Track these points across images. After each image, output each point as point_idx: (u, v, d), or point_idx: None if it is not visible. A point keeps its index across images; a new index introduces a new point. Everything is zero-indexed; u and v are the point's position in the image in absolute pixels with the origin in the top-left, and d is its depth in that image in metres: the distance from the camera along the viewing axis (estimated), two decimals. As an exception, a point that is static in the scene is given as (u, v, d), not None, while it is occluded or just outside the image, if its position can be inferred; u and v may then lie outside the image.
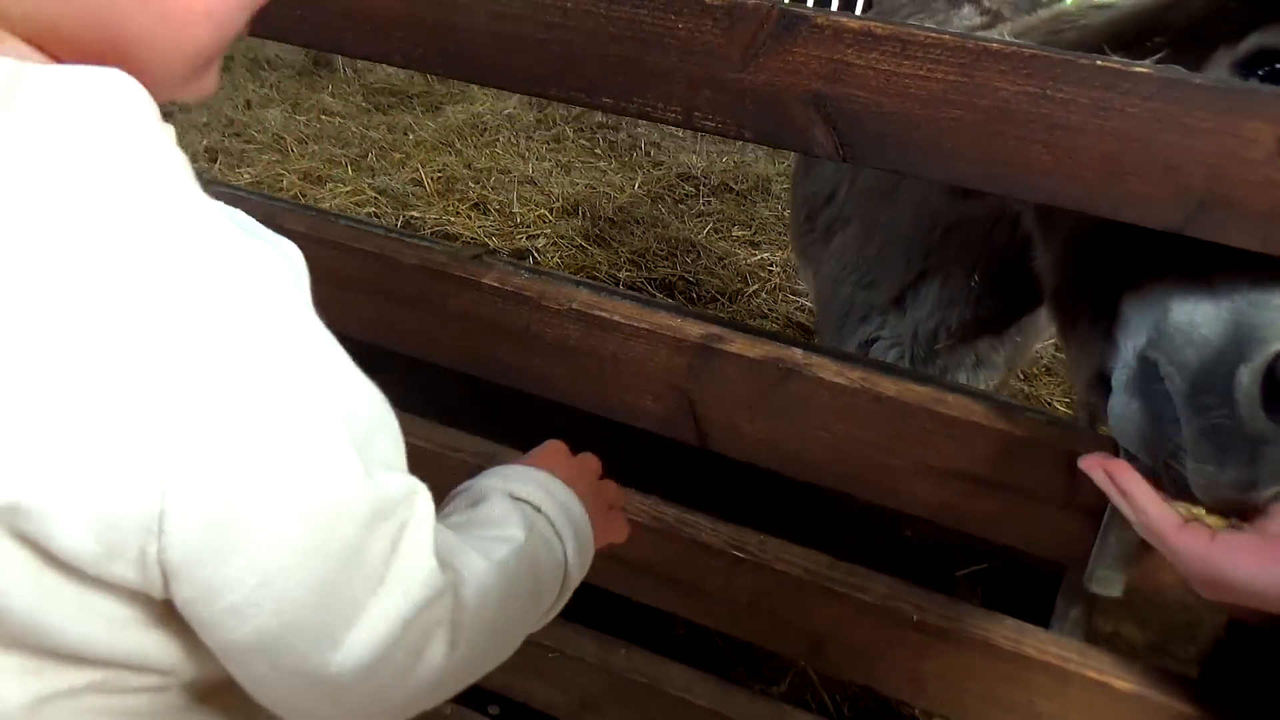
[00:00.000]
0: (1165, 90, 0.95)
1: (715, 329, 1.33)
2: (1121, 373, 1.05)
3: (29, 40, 0.58)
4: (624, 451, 1.72)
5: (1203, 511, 0.99)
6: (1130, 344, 1.06)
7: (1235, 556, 0.90)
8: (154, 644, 0.64)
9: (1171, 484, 1.00)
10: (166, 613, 0.63)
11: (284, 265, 0.63)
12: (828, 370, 1.28)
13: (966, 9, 2.13)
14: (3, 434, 0.53)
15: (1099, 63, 0.98)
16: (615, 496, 1.08)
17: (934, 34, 1.04)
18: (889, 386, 1.26)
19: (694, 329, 1.33)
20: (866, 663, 1.41)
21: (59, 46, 0.59)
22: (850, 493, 1.31)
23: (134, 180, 0.58)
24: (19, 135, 0.55)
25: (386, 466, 0.68)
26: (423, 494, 0.72)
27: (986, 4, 2.11)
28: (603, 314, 1.35)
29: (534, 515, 0.95)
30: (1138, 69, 0.97)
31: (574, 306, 1.36)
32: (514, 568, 0.86)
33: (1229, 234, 0.98)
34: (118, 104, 0.59)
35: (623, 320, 1.34)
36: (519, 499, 0.96)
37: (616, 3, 1.13)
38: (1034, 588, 1.45)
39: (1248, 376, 0.91)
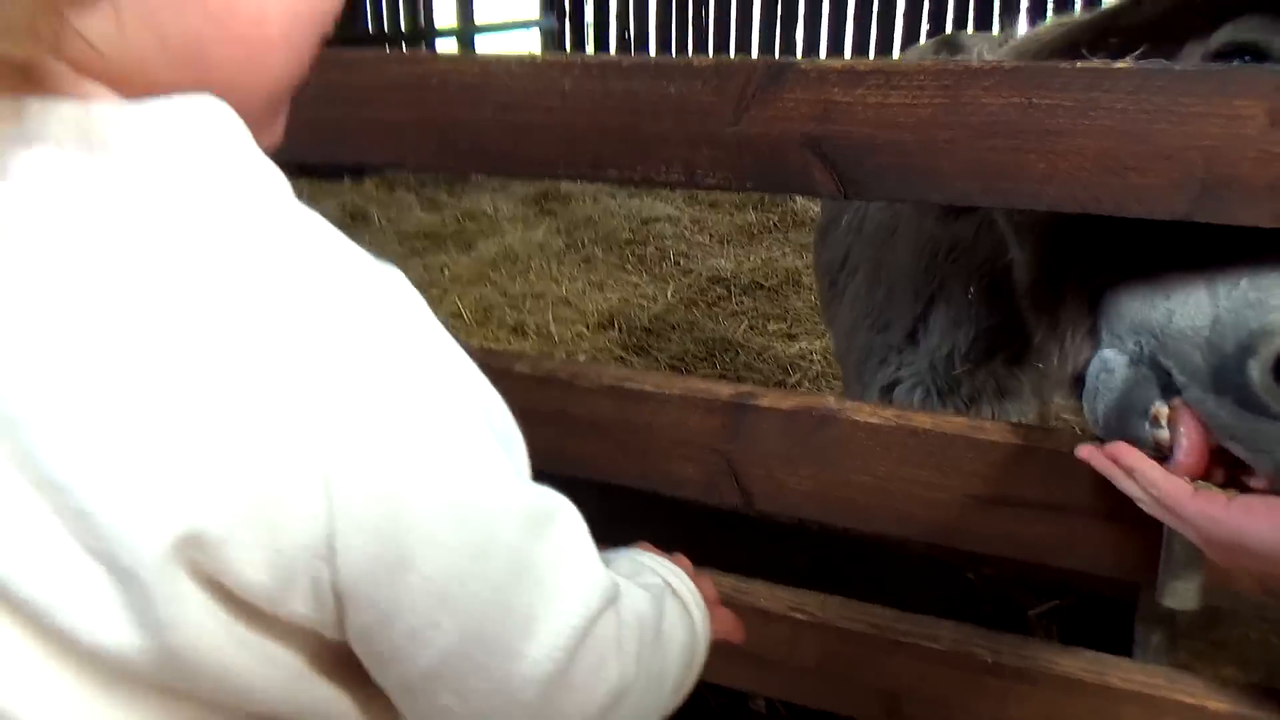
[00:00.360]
0: (1149, 81, 0.97)
1: (746, 387, 1.34)
2: (1107, 361, 1.05)
3: (115, 84, 0.57)
4: (671, 529, 1.71)
5: (1210, 485, 0.97)
6: (1125, 343, 1.05)
7: (1253, 517, 0.88)
8: (328, 696, 0.63)
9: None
10: (341, 660, 0.62)
11: (403, 278, 0.64)
12: (861, 412, 1.27)
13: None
14: (171, 462, 0.52)
15: (1078, 65, 1.00)
16: (712, 592, 1.05)
17: (916, 64, 1.07)
18: (924, 420, 1.25)
19: (724, 390, 1.34)
20: (947, 714, 1.35)
21: (145, 88, 0.58)
22: (902, 535, 1.29)
23: (254, 205, 0.59)
24: (128, 174, 0.55)
25: (526, 479, 0.69)
26: (571, 508, 0.72)
27: (969, 56, 2.19)
28: (634, 386, 1.36)
29: (664, 584, 0.94)
30: (1118, 65, 0.99)
31: (606, 383, 1.38)
32: (660, 607, 0.85)
33: (1237, 214, 0.97)
34: (217, 131, 0.59)
35: (654, 390, 1.35)
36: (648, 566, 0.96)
37: (611, 78, 1.18)
38: (1111, 619, 1.39)
39: (1258, 370, 0.90)
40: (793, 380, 4.07)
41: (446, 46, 10.16)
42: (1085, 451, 1.06)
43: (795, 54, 9.45)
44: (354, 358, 0.56)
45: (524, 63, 1.24)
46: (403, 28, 10.24)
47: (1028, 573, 1.47)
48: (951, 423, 1.24)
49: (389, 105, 1.31)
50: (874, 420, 1.26)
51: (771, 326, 4.57)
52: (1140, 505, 1.00)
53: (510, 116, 1.26)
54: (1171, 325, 1.00)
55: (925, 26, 8.96)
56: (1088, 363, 1.13)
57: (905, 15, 9.05)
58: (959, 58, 2.19)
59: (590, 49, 10.43)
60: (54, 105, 0.55)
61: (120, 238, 0.54)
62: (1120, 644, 1.35)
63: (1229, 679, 1.31)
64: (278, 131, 0.70)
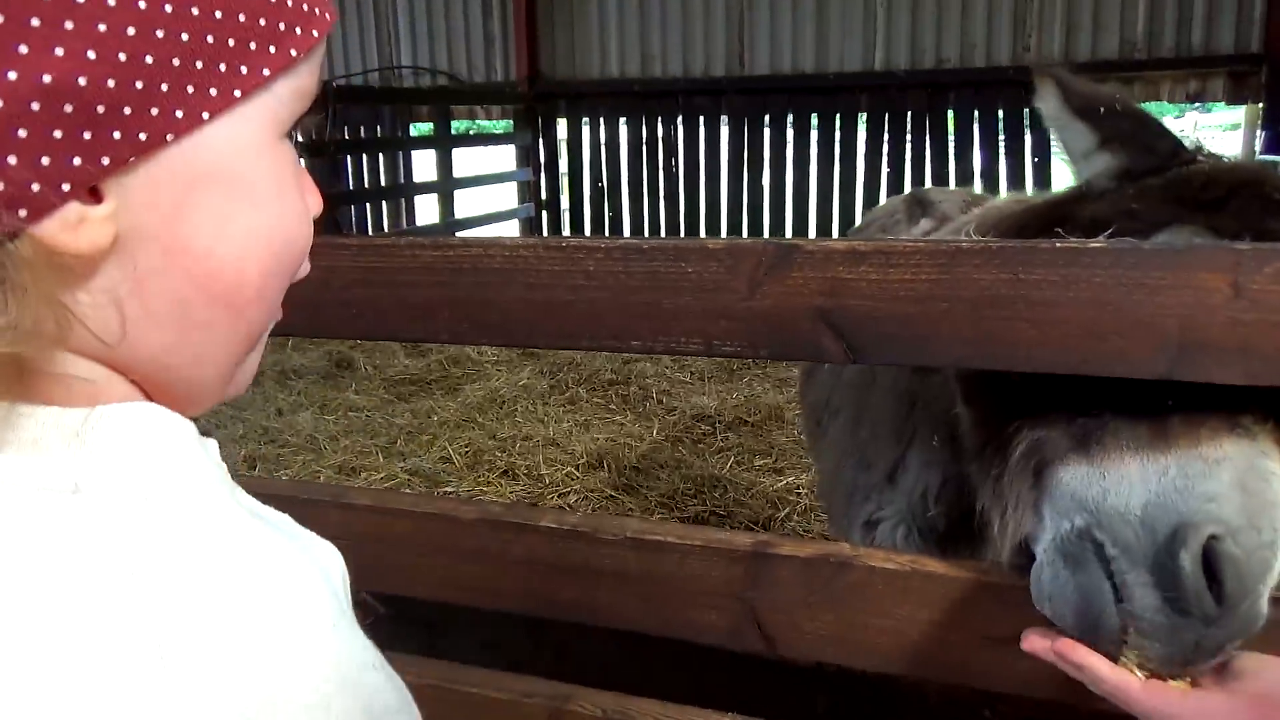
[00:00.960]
0: (1122, 258, 1.10)
1: (765, 537, 1.41)
2: (1055, 545, 1.12)
3: (94, 352, 0.58)
4: (690, 674, 1.76)
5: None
6: (1064, 521, 1.13)
7: (1209, 717, 0.94)
8: None
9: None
10: None
11: (308, 572, 0.61)
12: (876, 558, 1.35)
13: (924, 222, 2.38)
14: None
15: (1058, 245, 1.13)
16: None
17: (911, 243, 1.20)
18: (937, 566, 1.33)
19: (744, 540, 1.41)
20: None
21: (128, 350, 0.59)
22: (920, 675, 1.34)
23: (158, 528, 0.56)
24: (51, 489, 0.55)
25: None
26: None
27: (936, 213, 2.37)
28: (657, 538, 1.44)
29: None
30: (1093, 244, 1.11)
31: (629, 535, 1.45)
32: None
33: (1212, 373, 1.09)
34: (159, 441, 0.59)
35: (677, 541, 1.42)
36: None
37: (633, 259, 1.30)
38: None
39: (1189, 562, 0.98)
40: (781, 514, 4.14)
41: (427, 202, 10.48)
42: (1029, 644, 1.12)
43: (762, 197, 9.86)
44: (217, 672, 0.53)
45: (550, 246, 1.36)
46: (383, 183, 10.60)
47: (1044, 711, 1.52)
48: (963, 566, 1.32)
49: (423, 287, 1.42)
50: (889, 565, 1.33)
51: (758, 462, 4.66)
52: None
53: (535, 295, 1.37)
54: (1106, 502, 1.09)
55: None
56: (1026, 537, 1.22)
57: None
58: (929, 212, 2.36)
59: (566, 198, 10.82)
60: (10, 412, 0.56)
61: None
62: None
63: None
64: (250, 372, 0.71)
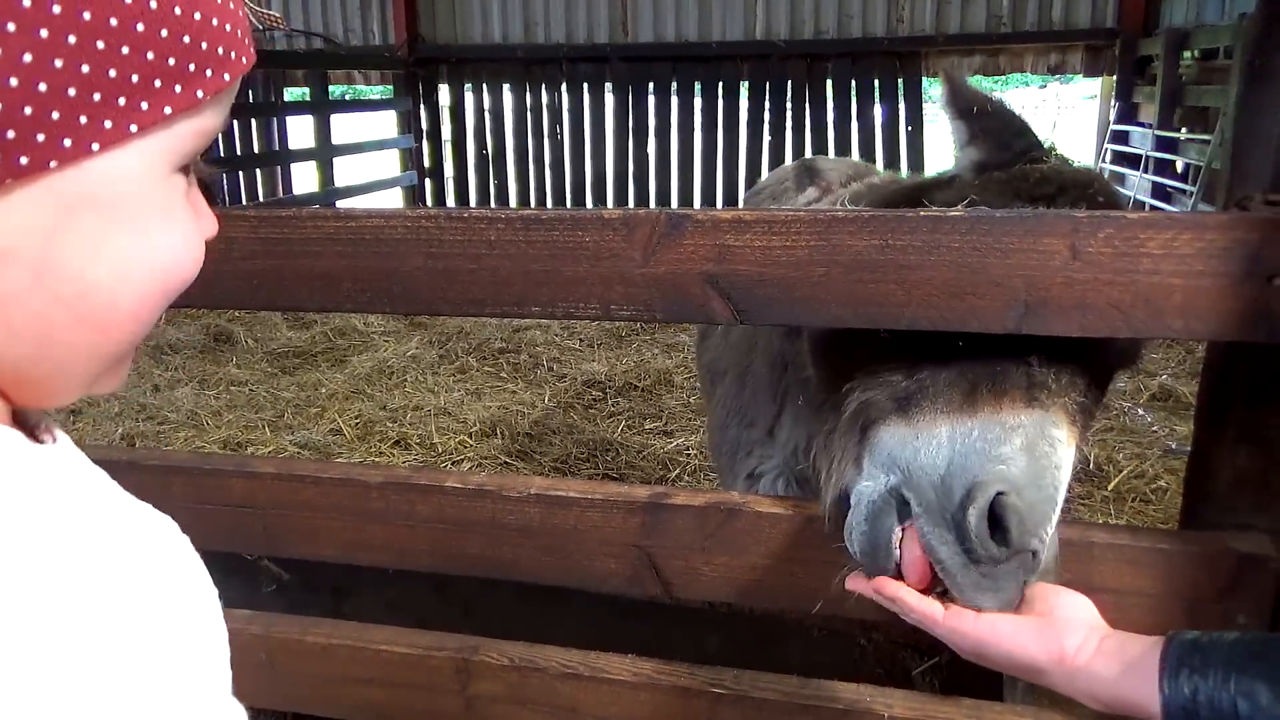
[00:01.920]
0: (977, 225, 1.22)
1: (661, 489, 1.51)
2: (863, 498, 1.25)
3: None
4: (587, 623, 1.85)
5: None
6: (882, 475, 1.26)
7: (995, 637, 1.09)
8: None
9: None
10: None
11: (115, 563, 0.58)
12: (763, 504, 1.46)
13: (809, 190, 2.51)
14: None
15: (922, 214, 1.24)
16: None
17: (792, 213, 1.30)
18: (817, 509, 1.44)
19: (641, 492, 1.51)
20: (853, 770, 1.52)
21: (6, 375, 0.60)
22: (804, 610, 1.46)
23: None
24: None
25: None
26: None
27: (822, 182, 2.51)
28: (559, 493, 1.52)
29: None
30: (953, 213, 1.23)
31: (533, 492, 1.52)
32: None
33: (1052, 326, 1.22)
34: None
35: (578, 495, 1.51)
36: None
37: (533, 228, 1.37)
38: (982, 673, 1.59)
39: (975, 516, 1.12)
40: (673, 475, 4.27)
41: (305, 169, 10.21)
42: (852, 584, 1.26)
43: (648, 165, 9.95)
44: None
45: (452, 216, 1.41)
46: (256, 150, 10.26)
47: (911, 636, 1.66)
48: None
49: (326, 257, 1.45)
50: (776, 510, 1.45)
51: (648, 425, 4.78)
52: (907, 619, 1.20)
53: (437, 264, 1.42)
54: (916, 461, 1.22)
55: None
56: (847, 489, 1.35)
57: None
58: (816, 180, 2.48)
59: (450, 166, 10.69)
60: None
61: None
62: (991, 692, 1.55)
63: (1082, 713, 1.52)
64: (121, 377, 0.69)
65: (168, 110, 0.59)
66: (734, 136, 9.77)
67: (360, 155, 10.37)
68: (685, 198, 9.92)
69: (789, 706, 1.50)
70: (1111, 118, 9.15)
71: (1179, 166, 7.90)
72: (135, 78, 0.56)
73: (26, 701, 0.50)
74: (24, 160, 0.53)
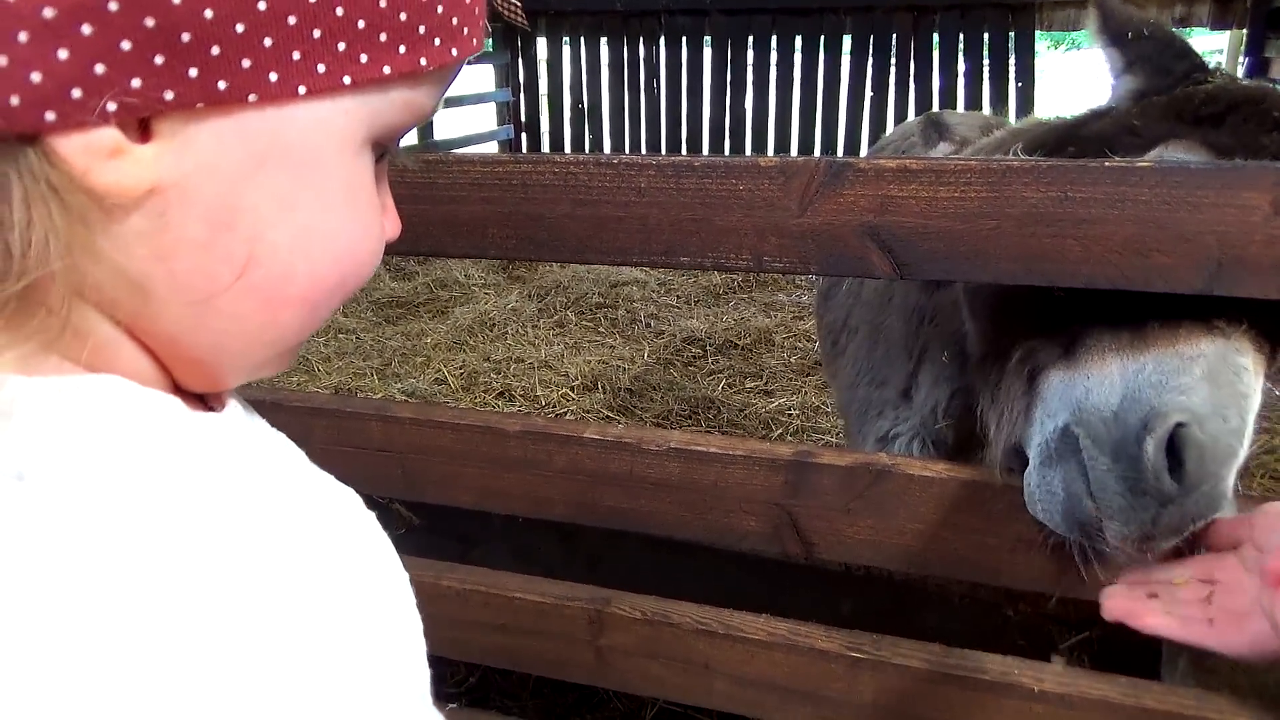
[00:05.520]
0: (1168, 177, 1.14)
1: (804, 446, 1.47)
2: (1040, 448, 1.21)
3: (107, 308, 0.52)
4: (720, 580, 1.83)
5: None
6: (1051, 422, 1.22)
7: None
8: None
9: (1081, 553, 1.18)
10: None
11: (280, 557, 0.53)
12: (914, 466, 1.41)
13: (942, 145, 2.41)
14: None
15: (1106, 164, 1.17)
16: None
17: (962, 161, 1.23)
18: (970, 473, 1.39)
19: (785, 449, 1.47)
20: (996, 741, 1.48)
21: (144, 319, 0.54)
22: (951, 577, 1.42)
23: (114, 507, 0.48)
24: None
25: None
26: None
27: (954, 136, 2.40)
28: (699, 448, 1.49)
29: None
30: (1140, 164, 1.16)
31: (673, 446, 1.50)
32: None
33: (1247, 288, 1.14)
34: (109, 425, 0.51)
35: (719, 451, 1.48)
36: None
37: (684, 175, 1.33)
38: (1137, 650, 1.53)
39: (1153, 446, 1.06)
40: (774, 435, 4.22)
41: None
42: (1109, 609, 1.14)
43: (745, 121, 9.79)
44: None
45: (601, 163, 1.38)
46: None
47: (1059, 608, 1.61)
48: (994, 474, 1.38)
49: (472, 203, 1.44)
50: (926, 474, 1.40)
51: (749, 384, 4.73)
52: None
53: (584, 211, 1.40)
54: (1088, 400, 1.17)
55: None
56: (1019, 441, 1.29)
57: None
58: (946, 135, 2.39)
59: (545, 119, 10.68)
60: None
61: None
62: (1144, 669, 1.49)
63: (1245, 691, 1.45)
64: (285, 364, 0.63)
65: (387, 70, 0.53)
66: (834, 93, 9.53)
67: (459, 109, 10.43)
68: (782, 153, 9.73)
69: (932, 675, 1.47)
70: (1240, 75, 8.68)
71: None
72: (362, 23, 0.51)
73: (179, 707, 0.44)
74: (223, 85, 0.48)
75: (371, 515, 0.65)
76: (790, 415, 4.39)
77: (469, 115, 11.06)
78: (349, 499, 0.64)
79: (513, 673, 2.19)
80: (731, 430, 4.24)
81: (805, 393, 4.60)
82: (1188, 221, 1.15)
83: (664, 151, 10.14)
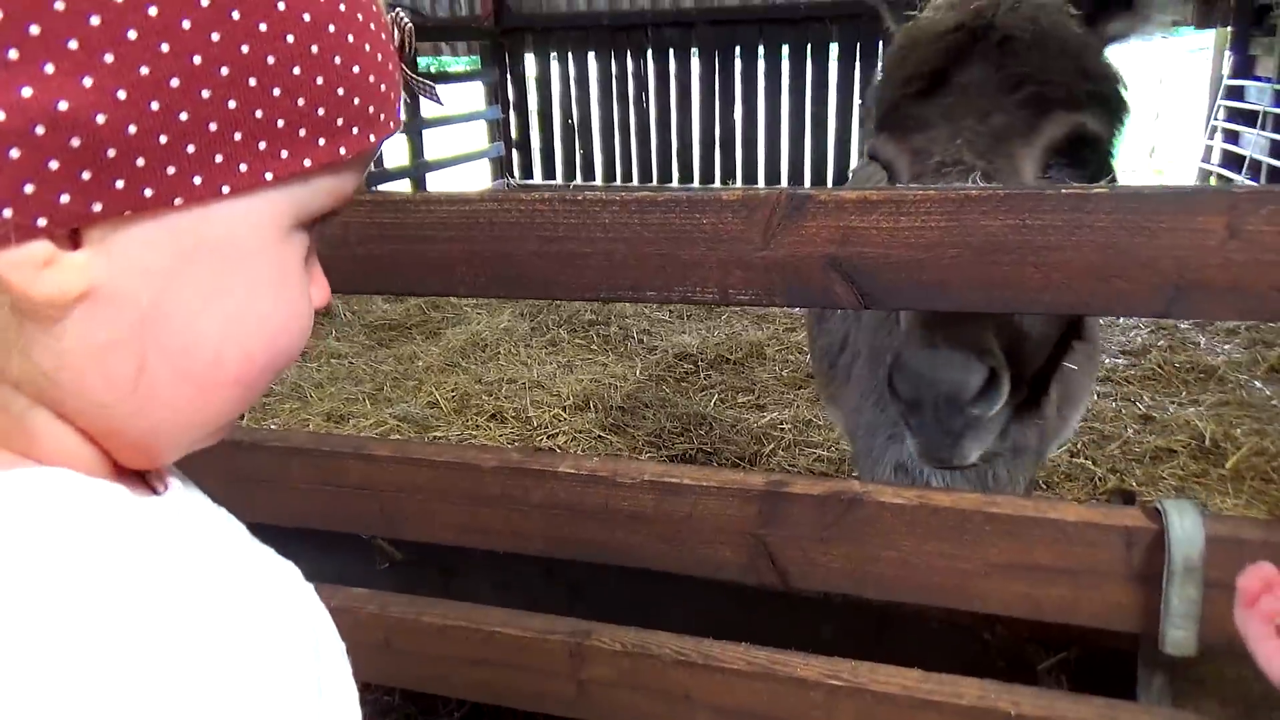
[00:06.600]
0: (1123, 204, 1.15)
1: (777, 475, 1.47)
2: None
3: (48, 401, 0.54)
4: (699, 609, 1.83)
5: None
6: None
7: None
8: None
9: None
10: None
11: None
12: (885, 494, 1.41)
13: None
14: None
15: (1063, 190, 1.17)
16: None
17: (921, 191, 1.24)
18: (943, 499, 1.39)
19: (757, 479, 1.47)
20: (977, 766, 1.47)
21: (85, 410, 0.55)
22: (928, 603, 1.42)
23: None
24: None
25: None
26: None
27: None
28: (673, 480, 1.49)
29: None
30: (1096, 190, 1.16)
31: (646, 478, 1.50)
32: None
33: (1207, 311, 1.15)
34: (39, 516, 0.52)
35: (692, 482, 1.48)
36: None
37: (648, 211, 1.34)
38: (1114, 667, 1.53)
39: None
40: (767, 450, 4.22)
41: (394, 142, 10.32)
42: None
43: (735, 132, 9.81)
44: None
45: (566, 200, 1.38)
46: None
47: (1037, 629, 1.61)
48: (967, 499, 1.39)
49: (440, 242, 1.44)
50: (898, 500, 1.40)
51: (741, 399, 4.73)
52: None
53: (551, 248, 1.40)
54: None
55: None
56: None
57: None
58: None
59: (536, 136, 10.70)
60: None
61: None
62: (1120, 689, 1.49)
63: (1215, 715, 1.45)
64: (219, 436, 0.64)
65: (307, 163, 0.55)
66: (823, 100, 9.56)
67: (449, 128, 10.45)
68: (772, 163, 9.77)
69: (910, 701, 1.46)
70: (1225, 72, 8.70)
71: (1301, 123, 7.47)
72: (281, 122, 0.53)
73: None
74: (149, 192, 0.49)
75: (309, 588, 0.65)
76: (782, 430, 4.39)
77: (459, 134, 11.09)
78: (286, 573, 0.64)
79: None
80: (724, 447, 4.25)
81: (797, 406, 4.61)
82: (1145, 247, 1.15)
83: (655, 164, 10.17)
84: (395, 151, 10.42)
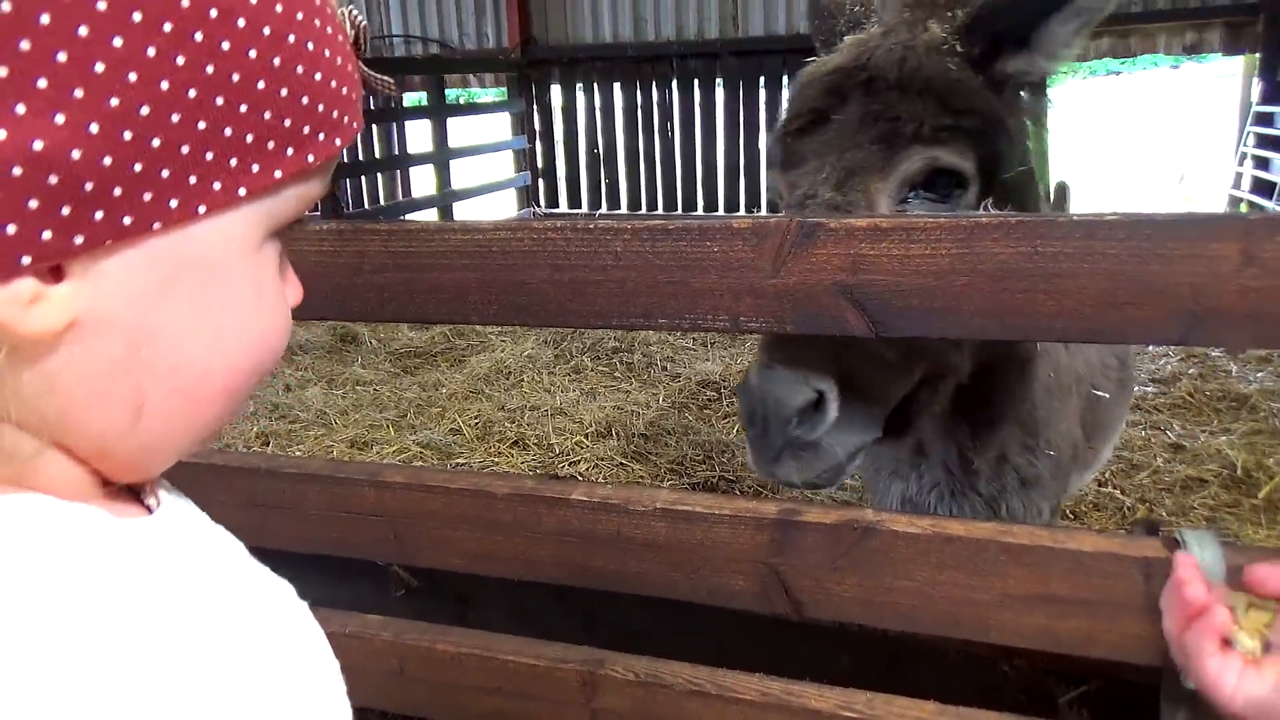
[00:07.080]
0: (1137, 230, 1.14)
1: (790, 504, 1.46)
2: None
3: (32, 428, 0.54)
4: (712, 637, 1.81)
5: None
6: None
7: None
8: None
9: None
10: None
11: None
12: (899, 522, 1.40)
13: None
14: None
15: (1074, 218, 1.16)
16: None
17: (931, 219, 1.23)
18: (957, 528, 1.38)
19: (770, 508, 1.46)
20: (996, 802, 1.44)
21: (73, 432, 0.56)
22: (944, 634, 1.40)
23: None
24: None
25: None
26: None
27: None
28: (685, 508, 1.48)
29: None
30: (1108, 216, 1.15)
31: (659, 506, 1.50)
32: None
33: (1223, 339, 1.13)
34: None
35: (705, 510, 1.47)
36: None
37: (659, 239, 1.34)
38: (1137, 701, 1.50)
39: None
40: (790, 478, 4.19)
41: (423, 173, 10.44)
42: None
43: (759, 160, 9.84)
44: None
45: (578, 228, 1.39)
46: (378, 155, 10.56)
47: (1056, 661, 1.58)
48: (982, 528, 1.37)
49: (453, 270, 1.45)
50: (911, 530, 1.38)
51: (764, 427, 4.71)
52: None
53: (563, 276, 1.41)
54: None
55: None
56: None
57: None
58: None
59: (562, 166, 10.78)
60: None
61: None
62: (1149, 722, 1.46)
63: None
64: (212, 437, 0.65)
65: (278, 174, 0.56)
66: (848, 129, 9.57)
67: (476, 158, 10.55)
68: (798, 193, 9.78)
69: (926, 733, 1.44)
70: (1254, 98, 8.63)
71: (1332, 149, 7.40)
72: (250, 138, 0.54)
73: None
74: (127, 220, 0.50)
75: (303, 605, 0.65)
76: (805, 457, 4.35)
77: (487, 164, 11.20)
78: (280, 591, 0.64)
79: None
80: (746, 474, 4.22)
81: (820, 434, 4.57)
82: (1160, 274, 1.14)
83: (680, 193, 10.21)
84: (423, 181, 10.54)
